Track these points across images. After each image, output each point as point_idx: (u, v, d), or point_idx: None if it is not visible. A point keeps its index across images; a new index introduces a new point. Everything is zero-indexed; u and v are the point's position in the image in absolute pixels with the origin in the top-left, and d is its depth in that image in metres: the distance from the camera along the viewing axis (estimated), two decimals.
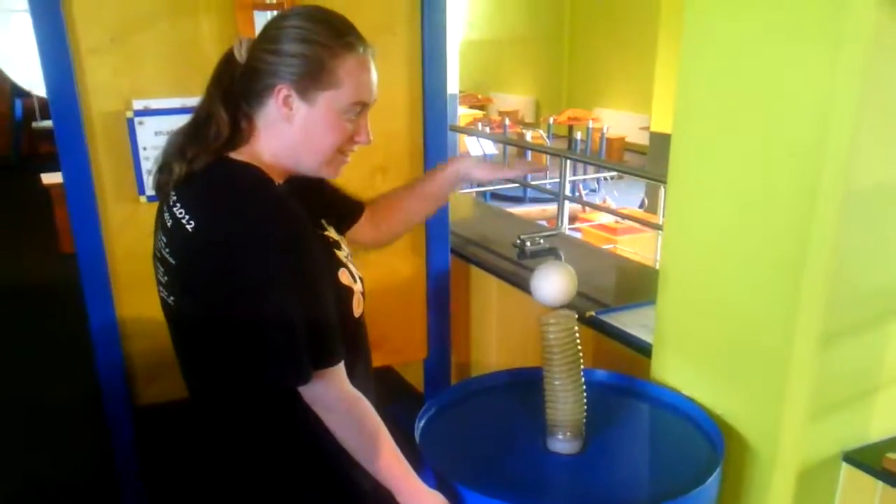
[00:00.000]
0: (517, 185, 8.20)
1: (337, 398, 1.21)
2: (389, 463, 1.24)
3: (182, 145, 1.22)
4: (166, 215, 1.22)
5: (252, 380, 1.21)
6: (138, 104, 1.93)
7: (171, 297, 1.24)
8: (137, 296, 2.08)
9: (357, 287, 1.32)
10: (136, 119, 1.93)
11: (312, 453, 1.27)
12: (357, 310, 1.32)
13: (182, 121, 1.95)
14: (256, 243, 1.13)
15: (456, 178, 1.55)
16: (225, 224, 1.15)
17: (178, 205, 1.19)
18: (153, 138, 1.95)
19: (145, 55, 1.94)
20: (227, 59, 1.24)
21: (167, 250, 1.21)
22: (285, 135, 1.22)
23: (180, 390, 2.05)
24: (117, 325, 2.09)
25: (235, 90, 1.22)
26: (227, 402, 1.28)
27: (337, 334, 1.21)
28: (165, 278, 1.24)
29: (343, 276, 1.29)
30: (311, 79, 1.18)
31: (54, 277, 3.89)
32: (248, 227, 1.14)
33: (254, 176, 1.21)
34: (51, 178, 5.47)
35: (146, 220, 2.00)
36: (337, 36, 1.19)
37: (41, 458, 3.03)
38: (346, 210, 1.52)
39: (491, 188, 8.57)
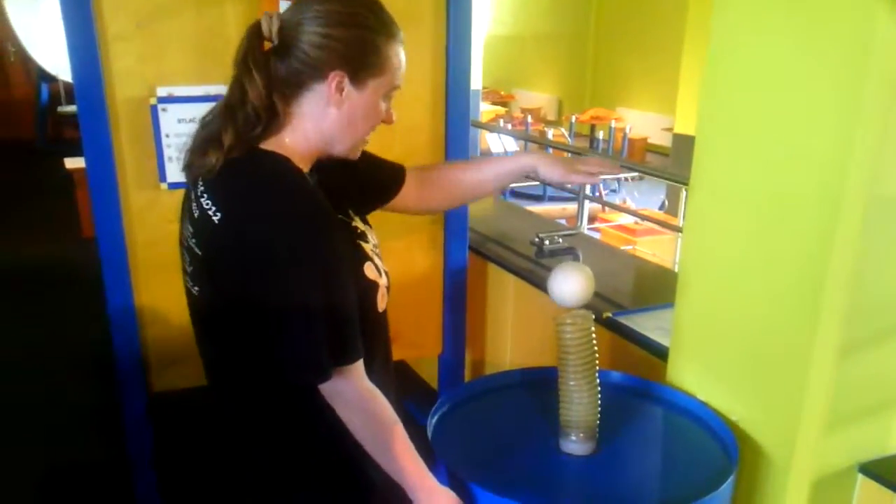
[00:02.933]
0: (537, 182, 8.17)
1: (354, 393, 1.20)
2: (403, 459, 1.23)
3: (218, 131, 1.17)
4: (193, 206, 1.20)
5: (272, 374, 1.21)
6: (162, 91, 1.94)
7: (196, 287, 1.23)
8: (156, 282, 2.09)
9: (382, 281, 1.30)
10: (160, 106, 1.94)
11: (326, 446, 1.27)
12: (381, 304, 1.31)
13: (206, 108, 1.95)
14: (280, 239, 1.11)
15: (523, 173, 1.54)
16: (250, 217, 1.14)
17: (205, 196, 1.18)
18: (176, 125, 1.96)
19: (170, 42, 1.94)
20: (256, 35, 1.18)
21: (193, 241, 1.20)
22: (328, 120, 1.20)
23: (196, 378, 2.05)
24: (135, 312, 2.10)
25: (276, 74, 1.17)
26: (246, 394, 1.28)
27: (357, 331, 1.19)
28: (191, 268, 1.24)
29: (369, 269, 1.28)
30: (365, 64, 1.18)
31: (76, 261, 3.92)
32: (272, 222, 1.12)
33: (282, 167, 1.18)
34: (74, 163, 5.53)
35: (167, 207, 2.03)
36: (383, 21, 1.19)
37: (56, 442, 3.06)
38: (387, 176, 1.51)
39: (513, 184, 8.55)
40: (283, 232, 1.12)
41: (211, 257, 1.18)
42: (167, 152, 1.97)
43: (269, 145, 1.20)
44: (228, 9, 1.98)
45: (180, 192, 1.99)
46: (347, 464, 1.27)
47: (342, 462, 1.27)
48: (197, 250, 1.20)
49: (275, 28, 1.17)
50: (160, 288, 2.09)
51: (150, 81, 1.94)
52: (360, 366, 1.20)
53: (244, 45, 1.18)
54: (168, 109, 1.94)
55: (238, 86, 1.18)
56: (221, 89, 1.96)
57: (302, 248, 1.12)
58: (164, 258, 2.04)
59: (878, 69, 1.23)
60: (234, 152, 1.17)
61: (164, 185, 2.01)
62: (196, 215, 1.19)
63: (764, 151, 1.43)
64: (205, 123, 1.22)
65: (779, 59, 1.38)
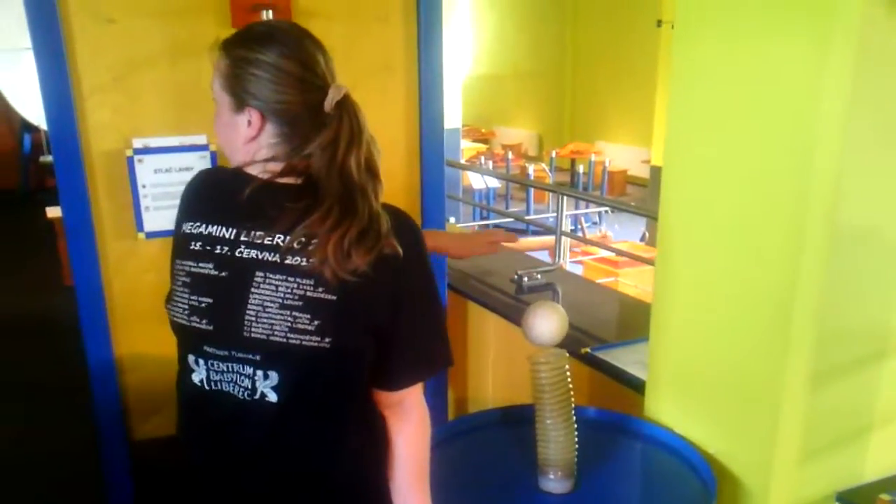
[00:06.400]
0: (514, 219, 8.23)
1: (417, 403, 1.27)
2: (424, 487, 1.28)
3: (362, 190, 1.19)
4: (293, 260, 1.15)
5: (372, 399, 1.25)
6: (138, 143, 1.96)
7: (329, 338, 1.14)
8: (136, 331, 2.09)
9: None
10: (136, 157, 1.96)
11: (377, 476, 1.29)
12: None
13: (181, 159, 1.97)
14: (415, 247, 1.22)
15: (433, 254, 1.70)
16: (404, 241, 1.19)
17: (314, 241, 1.15)
18: (152, 176, 1.98)
19: (146, 94, 1.97)
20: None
21: (320, 290, 1.14)
22: None
23: (174, 425, 2.02)
24: (114, 361, 2.10)
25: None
26: (354, 437, 1.26)
27: None
28: (318, 322, 1.14)
29: None
30: None
31: (58, 309, 3.91)
32: (404, 232, 1.20)
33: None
34: (55, 212, 5.52)
35: (144, 257, 2.04)
36: None
37: (36, 490, 3.02)
38: None
39: (494, 220, 8.61)
40: (419, 247, 1.23)
41: (355, 292, 1.14)
42: (144, 202, 1.99)
43: None
44: (204, 61, 2.00)
45: (158, 241, 2.03)
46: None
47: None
48: (330, 297, 1.14)
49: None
50: (140, 336, 2.09)
51: (125, 133, 1.96)
52: None
53: (362, 122, 1.21)
54: (144, 160, 1.96)
55: (367, 152, 1.21)
56: (197, 139, 2.02)
57: (428, 257, 1.26)
58: (143, 307, 2.05)
59: (833, 102, 1.27)
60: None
61: (141, 235, 2.02)
62: (303, 263, 1.15)
63: (728, 185, 1.47)
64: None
65: (738, 91, 1.42)
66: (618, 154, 11.35)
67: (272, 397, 1.17)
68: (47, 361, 4.17)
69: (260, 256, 1.17)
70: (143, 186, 1.98)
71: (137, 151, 1.96)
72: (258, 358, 1.16)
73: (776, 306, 1.39)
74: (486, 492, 1.50)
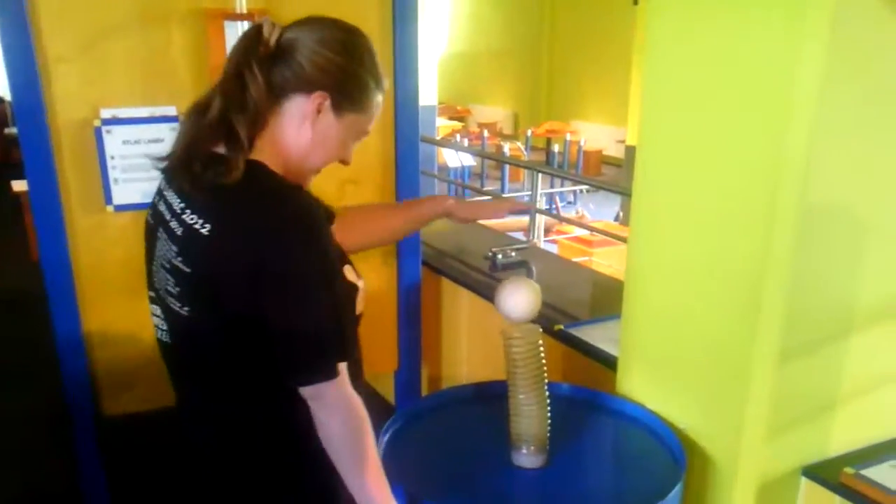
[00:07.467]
0: (490, 197, 8.24)
1: (339, 397, 1.19)
2: (371, 476, 1.21)
3: (227, 124, 1.16)
4: (173, 223, 1.18)
5: (275, 379, 1.18)
6: (106, 113, 1.92)
7: (186, 308, 1.18)
8: (105, 306, 2.06)
9: (361, 284, 1.31)
10: (104, 128, 1.92)
11: (300, 458, 1.25)
12: (360, 307, 1.31)
13: (150, 130, 1.93)
14: (292, 247, 1.13)
15: (436, 216, 1.69)
16: (255, 230, 1.13)
17: (189, 211, 1.16)
18: (121, 147, 1.94)
19: (114, 64, 1.93)
20: (257, 36, 1.19)
21: (179, 259, 1.16)
22: (299, 137, 1.22)
23: (146, 401, 2.02)
24: (82, 335, 2.07)
25: (265, 77, 1.18)
26: (228, 407, 1.26)
27: (352, 331, 1.24)
28: (178, 288, 1.18)
29: (349, 272, 1.29)
30: (350, 99, 1.24)
31: (24, 285, 3.83)
32: (273, 225, 1.13)
33: (271, 175, 1.19)
34: (22, 185, 5.41)
35: (114, 230, 2.01)
36: (376, 67, 1.27)
37: (6, 466, 2.98)
38: None
39: (469, 198, 8.60)
40: (293, 240, 1.13)
41: (207, 273, 1.15)
42: (112, 174, 1.95)
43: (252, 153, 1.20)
44: (173, 30, 1.97)
45: (128, 215, 2.00)
46: (316, 476, 1.25)
47: (312, 474, 1.26)
48: (185, 268, 1.16)
49: (275, 36, 1.19)
50: (108, 311, 2.06)
51: (93, 103, 1.92)
52: (345, 368, 1.20)
53: (244, 42, 1.20)
54: (113, 131, 1.92)
55: (237, 80, 1.17)
56: (167, 110, 1.98)
57: (312, 253, 1.15)
58: (111, 280, 2.02)
59: (806, 82, 1.27)
60: (241, 153, 1.16)
61: (109, 208, 1.98)
62: (179, 233, 1.16)
63: (701, 163, 1.47)
64: (196, 124, 1.19)
65: (710, 70, 1.42)
66: (593, 134, 11.37)
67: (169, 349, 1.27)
68: (16, 337, 4.11)
69: (163, 213, 1.22)
70: (112, 158, 1.94)
71: (105, 122, 1.92)
72: (159, 308, 1.26)
73: (746, 284, 1.40)
74: (459, 466, 1.50)
